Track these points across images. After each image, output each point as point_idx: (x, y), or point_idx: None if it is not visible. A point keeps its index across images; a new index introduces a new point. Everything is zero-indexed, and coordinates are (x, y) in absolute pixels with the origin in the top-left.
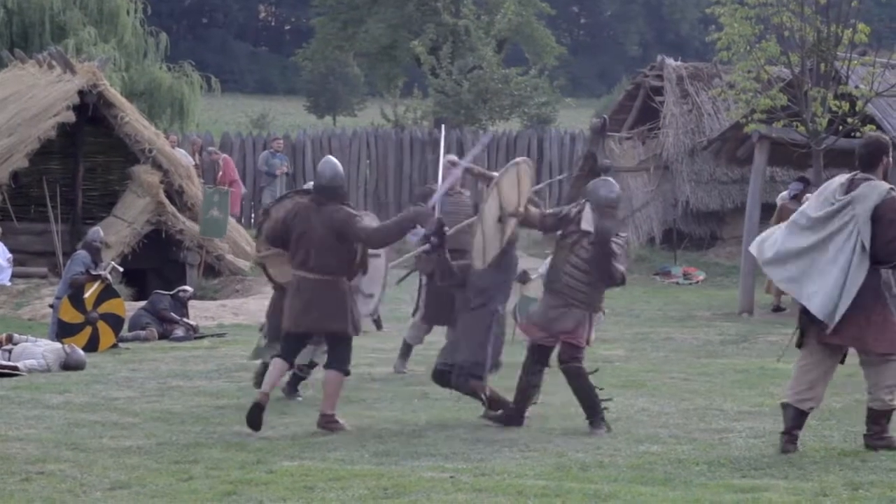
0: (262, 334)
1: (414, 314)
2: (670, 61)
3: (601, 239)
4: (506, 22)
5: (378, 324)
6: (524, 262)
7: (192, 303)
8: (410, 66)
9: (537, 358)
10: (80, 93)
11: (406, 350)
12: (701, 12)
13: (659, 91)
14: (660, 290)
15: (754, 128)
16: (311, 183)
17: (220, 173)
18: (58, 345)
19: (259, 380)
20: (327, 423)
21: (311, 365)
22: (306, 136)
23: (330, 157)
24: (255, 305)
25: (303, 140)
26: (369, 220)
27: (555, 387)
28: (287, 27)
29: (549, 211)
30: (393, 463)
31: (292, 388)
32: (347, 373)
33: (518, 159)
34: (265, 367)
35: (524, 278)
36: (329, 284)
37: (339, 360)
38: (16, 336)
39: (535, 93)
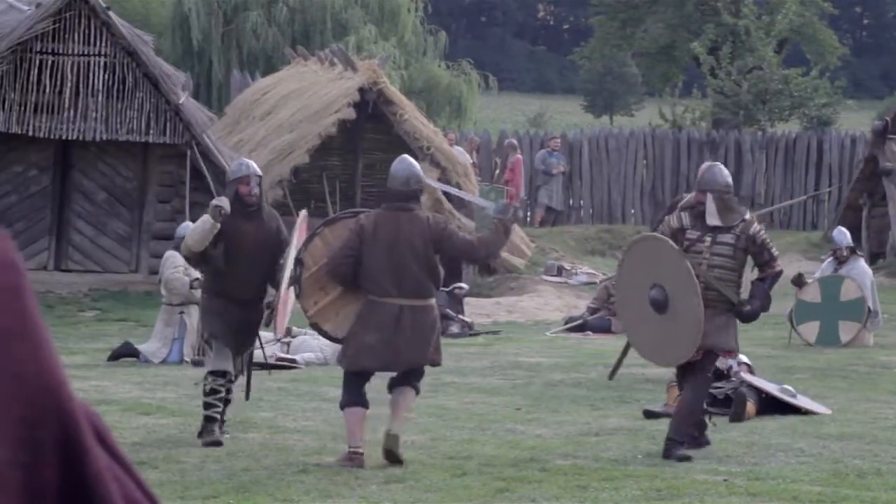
0: (203, 346)
1: None
2: None
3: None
4: (786, 22)
5: None
6: (799, 265)
7: (467, 300)
8: (689, 66)
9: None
10: (361, 90)
11: None
12: None
13: None
14: None
15: None
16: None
17: (497, 171)
18: None
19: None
20: (397, 448)
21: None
22: (583, 135)
23: (405, 156)
24: (529, 303)
25: (579, 139)
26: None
27: (829, 391)
28: (565, 26)
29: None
30: (666, 464)
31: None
32: (419, 391)
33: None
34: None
35: (800, 282)
36: (424, 311)
37: (418, 377)
38: (294, 329)
39: (815, 94)
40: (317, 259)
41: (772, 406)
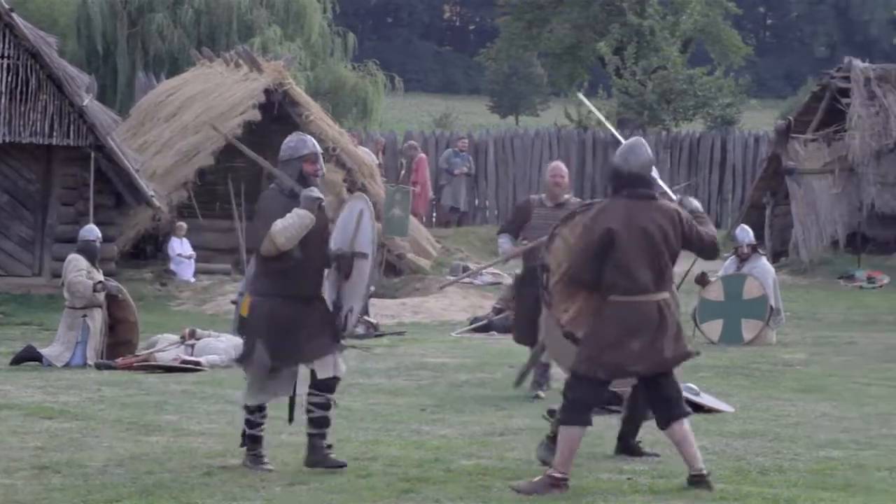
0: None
1: None
2: (858, 63)
3: None
4: (691, 22)
5: None
6: (701, 264)
7: (372, 301)
8: (594, 67)
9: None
10: (266, 91)
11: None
12: (890, 13)
13: (846, 93)
14: (843, 293)
15: None
16: None
17: (403, 172)
18: (239, 340)
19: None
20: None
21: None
22: (489, 135)
23: (640, 138)
24: (435, 304)
25: (485, 140)
26: None
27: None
28: (471, 27)
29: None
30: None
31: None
32: (690, 412)
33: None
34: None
35: (703, 280)
36: (672, 305)
37: (680, 396)
38: (198, 331)
39: (719, 94)
40: (560, 262)
41: None
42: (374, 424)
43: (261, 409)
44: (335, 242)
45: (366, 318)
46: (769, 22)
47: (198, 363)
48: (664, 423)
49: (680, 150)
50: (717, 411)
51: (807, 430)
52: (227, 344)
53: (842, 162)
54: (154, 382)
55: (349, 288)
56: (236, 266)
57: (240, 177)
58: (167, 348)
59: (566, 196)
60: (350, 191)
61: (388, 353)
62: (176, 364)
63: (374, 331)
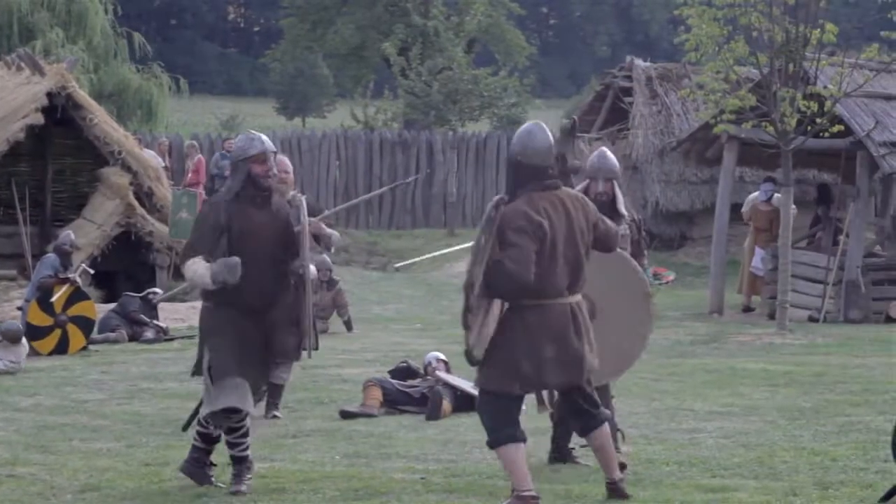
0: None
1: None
2: (639, 62)
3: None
4: (475, 23)
5: (349, 325)
6: None
7: (161, 305)
8: (380, 67)
9: None
10: (49, 94)
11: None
12: (670, 13)
13: (628, 92)
14: None
15: (723, 128)
16: None
17: (189, 174)
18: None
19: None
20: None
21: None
22: (275, 137)
23: (539, 122)
24: None
25: (272, 141)
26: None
27: None
28: (256, 28)
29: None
30: (364, 465)
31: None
32: (608, 417)
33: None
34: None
35: None
36: (583, 307)
37: (597, 404)
38: None
39: (504, 94)
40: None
41: (467, 403)
42: (166, 429)
43: (234, 430)
44: None
45: (155, 322)
46: (552, 22)
47: None
48: (582, 433)
49: (467, 150)
50: None
51: None
52: None
53: (626, 160)
54: None
55: None
56: (22, 272)
57: (23, 181)
58: None
59: (291, 193)
60: (136, 194)
61: (179, 357)
62: None
63: (163, 335)
